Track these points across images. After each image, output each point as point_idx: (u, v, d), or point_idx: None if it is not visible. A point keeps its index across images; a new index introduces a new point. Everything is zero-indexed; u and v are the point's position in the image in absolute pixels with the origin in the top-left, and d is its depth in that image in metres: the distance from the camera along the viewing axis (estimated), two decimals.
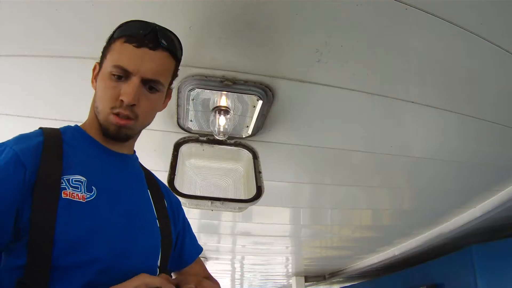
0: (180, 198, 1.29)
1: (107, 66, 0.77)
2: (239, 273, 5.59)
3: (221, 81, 1.29)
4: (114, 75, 0.76)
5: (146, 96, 0.79)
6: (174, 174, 1.35)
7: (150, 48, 0.77)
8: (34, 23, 1.08)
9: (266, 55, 1.20)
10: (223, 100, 1.40)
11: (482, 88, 1.41)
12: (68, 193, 0.70)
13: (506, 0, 1.03)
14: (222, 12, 1.04)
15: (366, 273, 4.65)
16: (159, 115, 1.26)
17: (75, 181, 0.72)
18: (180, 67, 1.26)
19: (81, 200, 0.71)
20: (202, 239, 3.49)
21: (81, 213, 0.70)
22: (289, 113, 1.51)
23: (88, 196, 0.72)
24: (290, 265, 4.70)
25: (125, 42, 0.76)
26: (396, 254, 3.61)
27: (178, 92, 1.34)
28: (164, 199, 0.96)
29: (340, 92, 1.38)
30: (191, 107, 1.43)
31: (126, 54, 0.76)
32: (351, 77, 1.31)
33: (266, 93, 1.34)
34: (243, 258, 4.36)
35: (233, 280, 6.17)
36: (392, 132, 1.69)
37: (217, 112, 1.42)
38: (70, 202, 0.69)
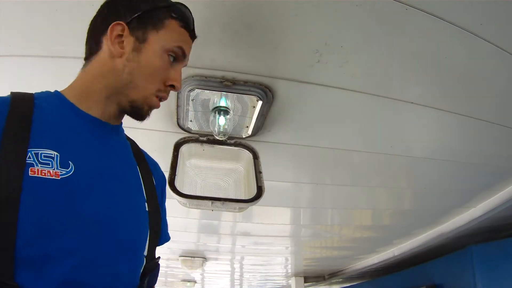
0: (180, 198, 1.29)
1: (163, 42, 0.72)
2: (239, 274, 5.58)
3: (221, 82, 1.29)
4: (171, 55, 0.74)
5: None
6: (175, 174, 1.35)
7: (193, 41, 0.80)
8: (34, 23, 1.08)
9: (266, 55, 1.20)
10: (223, 100, 1.40)
11: (482, 88, 1.41)
12: (36, 170, 0.59)
13: (506, 0, 1.03)
14: (222, 12, 1.04)
15: (366, 273, 4.65)
16: (159, 116, 1.27)
17: (45, 156, 0.61)
18: None
19: (53, 177, 0.60)
20: (202, 239, 3.49)
21: (52, 193, 0.60)
22: (289, 113, 1.51)
23: (64, 172, 0.62)
24: (290, 266, 4.70)
25: (181, 27, 0.76)
26: (396, 254, 3.61)
27: (178, 93, 1.34)
28: (153, 176, 0.83)
29: (340, 93, 1.38)
30: (191, 108, 1.43)
31: (185, 40, 0.76)
32: (351, 77, 1.31)
33: (266, 93, 1.34)
34: (242, 258, 4.36)
35: (232, 280, 6.17)
36: (392, 132, 1.69)
37: (217, 112, 1.42)
38: (38, 180, 0.59)
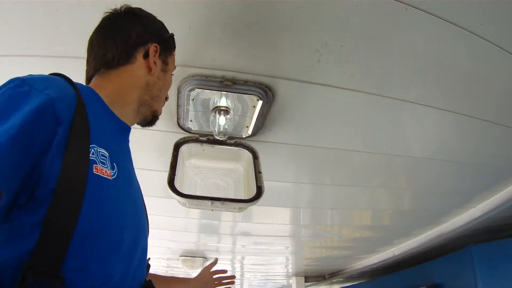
0: (180, 198, 1.29)
1: (173, 64, 0.90)
2: (239, 273, 5.58)
3: (221, 81, 1.29)
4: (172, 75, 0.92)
5: None
6: (174, 174, 1.35)
7: None
8: (34, 23, 1.08)
9: (266, 55, 1.20)
10: (223, 100, 1.40)
11: (482, 88, 1.41)
12: (98, 168, 0.61)
13: (506, 0, 1.03)
14: (222, 12, 1.04)
15: (366, 273, 4.65)
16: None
17: (101, 155, 0.63)
18: (180, 67, 1.27)
19: (108, 177, 0.63)
20: (202, 239, 3.49)
21: (108, 193, 0.62)
22: (289, 113, 1.51)
23: (113, 173, 0.64)
24: (290, 265, 4.70)
25: (174, 52, 0.93)
26: (396, 254, 3.61)
27: (178, 92, 1.34)
28: None
29: (340, 92, 1.38)
30: (191, 107, 1.43)
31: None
32: (351, 77, 1.31)
33: (266, 93, 1.34)
34: (243, 258, 4.36)
35: None
36: (392, 132, 1.69)
37: (217, 112, 1.42)
38: (99, 178, 0.61)
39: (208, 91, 1.34)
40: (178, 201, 1.35)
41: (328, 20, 1.08)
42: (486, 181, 2.20)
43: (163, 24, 0.91)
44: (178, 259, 3.98)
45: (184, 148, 1.53)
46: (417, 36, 1.15)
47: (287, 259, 4.37)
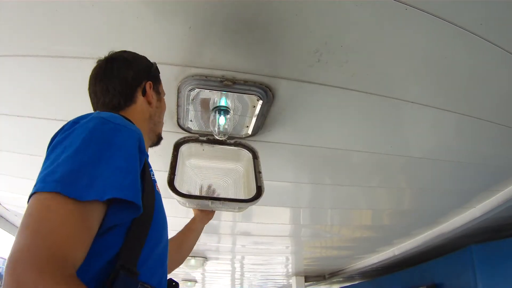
0: (180, 198, 1.29)
1: (162, 91, 1.05)
2: (239, 273, 5.59)
3: (221, 81, 1.29)
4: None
5: None
6: (174, 174, 1.35)
7: None
8: (34, 23, 1.08)
9: (266, 55, 1.20)
10: (223, 100, 1.40)
11: (482, 88, 1.41)
12: (157, 186, 0.81)
13: (506, 0, 1.03)
14: (222, 12, 1.04)
15: (366, 273, 4.65)
16: None
17: (153, 174, 0.82)
18: (180, 67, 1.27)
19: (159, 192, 0.83)
20: (202, 239, 3.48)
21: (161, 205, 0.81)
22: (289, 113, 1.51)
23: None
24: (290, 265, 4.70)
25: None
26: (396, 254, 3.61)
27: (178, 92, 1.34)
28: None
29: (340, 92, 1.38)
30: (191, 107, 1.43)
31: None
32: (351, 77, 1.31)
33: (266, 93, 1.34)
34: (243, 258, 4.36)
35: (233, 280, 6.17)
36: (392, 132, 1.69)
37: (217, 112, 1.42)
38: (158, 194, 0.80)
39: (208, 91, 1.34)
40: (178, 201, 1.35)
41: (328, 20, 1.08)
42: (486, 181, 2.20)
43: (146, 59, 1.03)
44: None
45: (184, 148, 1.53)
46: (417, 36, 1.15)
47: (287, 259, 4.38)
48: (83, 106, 1.48)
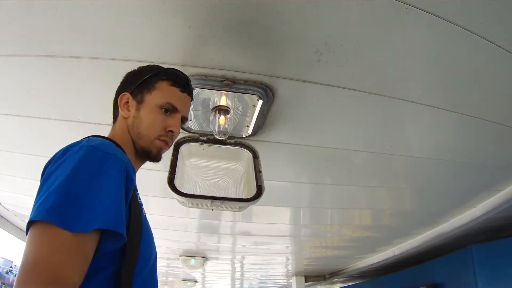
0: (180, 198, 1.29)
1: (155, 100, 0.94)
2: (239, 273, 5.59)
3: (221, 81, 1.29)
4: (163, 109, 0.93)
5: None
6: (174, 174, 1.35)
7: (188, 94, 0.99)
8: (34, 23, 1.08)
9: (266, 54, 1.20)
10: (223, 99, 1.40)
11: (482, 88, 1.41)
12: (144, 209, 0.85)
13: (506, 0, 1.03)
14: (222, 11, 1.04)
15: (366, 273, 4.65)
16: None
17: (139, 198, 0.85)
18: (179, 67, 1.26)
19: (145, 215, 0.86)
20: (202, 239, 3.49)
21: (147, 227, 0.84)
22: (289, 113, 1.51)
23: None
24: (290, 265, 4.70)
25: (172, 85, 0.95)
26: (396, 254, 3.61)
27: None
28: None
29: (340, 92, 1.38)
30: (191, 107, 1.42)
31: (175, 95, 0.95)
32: (351, 76, 1.31)
33: (266, 92, 1.34)
34: (243, 258, 4.36)
35: (233, 280, 6.17)
36: (392, 131, 1.69)
37: (217, 111, 1.42)
38: (145, 217, 0.84)
39: (208, 90, 1.34)
40: (178, 201, 1.35)
41: (328, 20, 1.08)
42: (486, 181, 2.20)
43: (146, 69, 0.98)
44: (178, 258, 3.98)
45: (184, 148, 1.53)
46: (417, 36, 1.15)
47: (287, 259, 4.38)
48: (83, 105, 1.48)
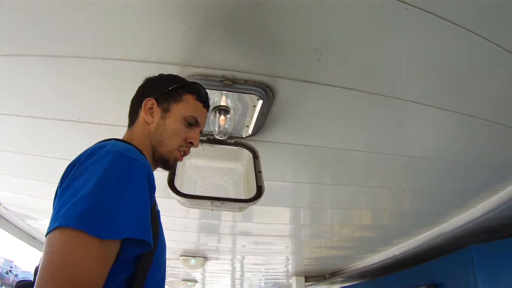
0: (180, 198, 1.29)
1: (181, 111, 0.97)
2: (239, 273, 5.59)
3: (221, 81, 1.29)
4: (187, 121, 0.97)
5: None
6: (174, 174, 1.35)
7: (207, 111, 1.04)
8: (34, 23, 1.08)
9: (266, 54, 1.20)
10: (223, 99, 1.40)
11: (482, 87, 1.41)
12: (161, 219, 0.88)
13: (506, 0, 1.03)
14: (222, 11, 1.04)
15: (366, 273, 4.65)
16: None
17: (157, 204, 0.87)
18: (180, 67, 1.27)
19: (161, 222, 0.88)
20: (202, 239, 3.49)
21: (162, 234, 0.86)
22: (289, 113, 1.51)
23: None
24: (290, 265, 4.70)
25: (196, 99, 1.00)
26: (396, 254, 3.61)
27: None
28: None
29: (340, 92, 1.38)
30: None
31: (199, 110, 1.00)
32: (352, 76, 1.31)
33: (266, 92, 1.34)
34: (243, 258, 4.36)
35: (233, 280, 6.17)
36: (392, 132, 1.69)
37: (217, 111, 1.42)
38: (161, 224, 0.86)
39: (208, 90, 1.33)
40: (178, 201, 1.35)
41: (328, 20, 1.08)
42: (486, 181, 2.20)
43: (171, 79, 1.02)
44: (178, 258, 3.98)
45: None
46: (417, 36, 1.15)
47: (287, 259, 4.38)
48: (83, 105, 1.48)
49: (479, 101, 1.49)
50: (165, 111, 0.96)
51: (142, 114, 0.96)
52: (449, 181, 2.17)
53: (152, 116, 0.96)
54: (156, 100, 0.97)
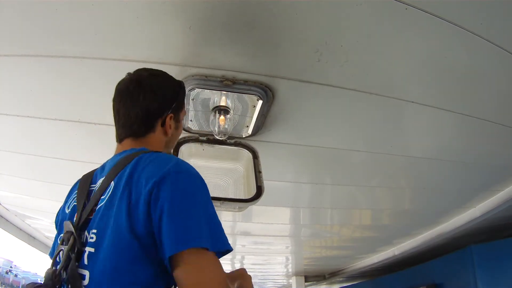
0: None
1: (182, 115, 1.03)
2: None
3: (221, 81, 1.29)
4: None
5: None
6: None
7: None
8: (34, 23, 1.08)
9: (266, 54, 1.20)
10: (223, 100, 1.40)
11: (482, 87, 1.41)
12: None
13: (506, 0, 1.03)
14: (222, 12, 1.04)
15: (366, 273, 4.65)
16: None
17: None
18: (180, 67, 1.27)
19: None
20: None
21: None
22: (289, 113, 1.51)
23: None
24: (290, 265, 4.70)
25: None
26: (396, 254, 3.61)
27: None
28: None
29: (340, 92, 1.38)
30: (191, 107, 1.43)
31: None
32: (352, 76, 1.31)
33: (266, 92, 1.34)
34: (243, 258, 4.36)
35: None
36: (392, 132, 1.69)
37: (217, 112, 1.42)
38: None
39: (208, 90, 1.34)
40: None
41: (328, 20, 1.08)
42: (486, 181, 2.20)
43: (174, 84, 1.00)
44: None
45: (184, 148, 1.53)
46: (417, 36, 1.15)
47: (287, 259, 4.38)
48: (82, 105, 1.48)
49: (479, 101, 1.49)
50: (177, 121, 1.01)
51: (160, 128, 0.97)
52: (449, 181, 2.17)
53: (170, 129, 0.99)
54: (172, 113, 0.98)
